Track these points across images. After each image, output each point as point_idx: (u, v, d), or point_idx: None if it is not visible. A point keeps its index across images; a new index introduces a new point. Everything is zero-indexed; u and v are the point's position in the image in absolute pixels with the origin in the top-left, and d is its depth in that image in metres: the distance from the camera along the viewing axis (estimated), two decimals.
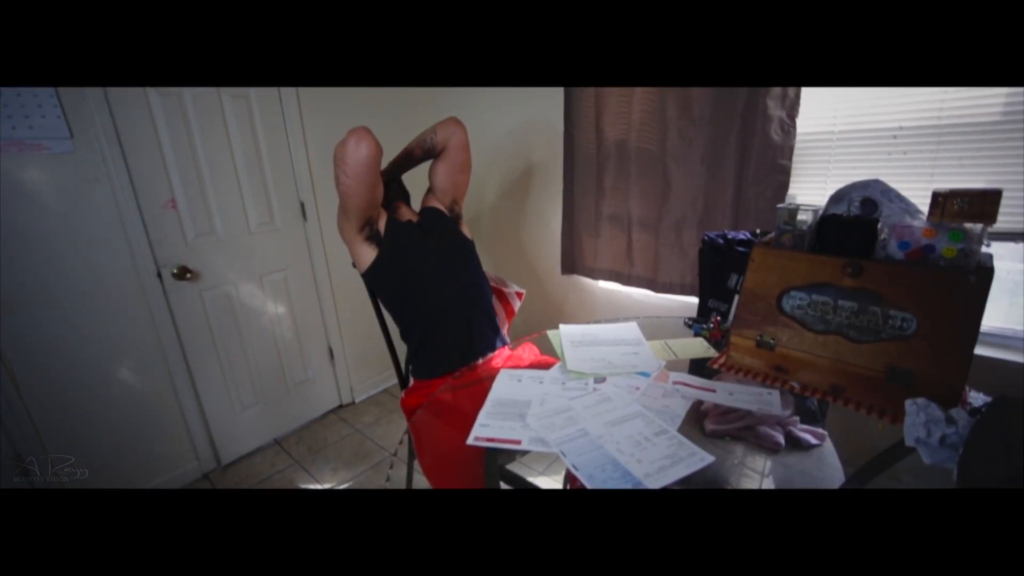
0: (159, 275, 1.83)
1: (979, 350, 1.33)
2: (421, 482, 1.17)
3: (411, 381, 1.45)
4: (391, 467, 2.05)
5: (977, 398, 0.84)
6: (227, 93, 1.91)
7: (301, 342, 2.36)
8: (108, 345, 1.75)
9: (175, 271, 1.86)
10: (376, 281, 1.40)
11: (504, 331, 1.61)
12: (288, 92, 2.08)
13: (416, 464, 1.38)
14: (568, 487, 1.31)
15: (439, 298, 1.38)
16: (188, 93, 1.80)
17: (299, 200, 2.22)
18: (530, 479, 1.88)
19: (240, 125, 1.96)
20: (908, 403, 0.77)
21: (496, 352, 1.42)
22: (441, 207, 1.51)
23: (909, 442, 0.74)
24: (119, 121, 1.65)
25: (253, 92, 1.98)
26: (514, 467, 1.90)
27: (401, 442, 1.12)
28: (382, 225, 1.37)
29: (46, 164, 1.54)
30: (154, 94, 1.72)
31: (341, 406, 2.62)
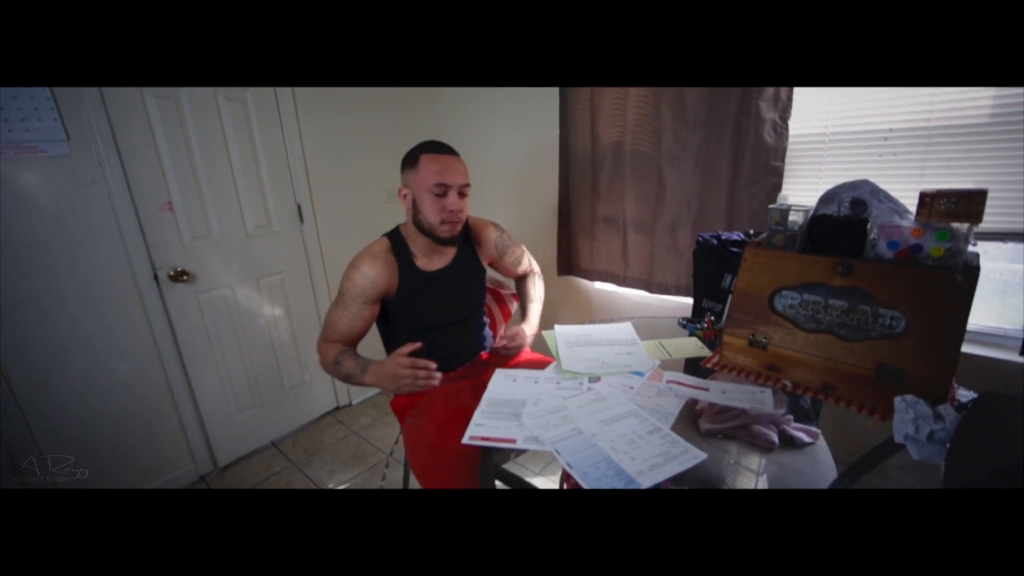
0: (155, 277, 1.83)
1: (972, 348, 1.35)
2: (418, 483, 1.17)
3: None
4: (387, 466, 2.05)
5: (965, 394, 0.85)
6: (223, 95, 1.91)
7: (298, 344, 2.36)
8: (104, 348, 1.75)
9: (171, 273, 1.86)
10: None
11: (501, 332, 1.61)
12: (284, 94, 2.09)
13: None
14: (564, 486, 1.32)
15: (437, 334, 1.35)
16: (184, 95, 1.81)
17: (296, 202, 2.23)
18: (527, 479, 1.88)
19: (237, 127, 1.97)
20: (897, 400, 0.77)
21: (484, 352, 1.43)
22: (486, 262, 1.45)
23: (898, 439, 0.75)
24: (115, 124, 1.66)
25: (250, 94, 1.99)
26: (511, 467, 1.91)
27: (397, 442, 1.13)
28: (393, 285, 1.28)
29: (42, 167, 1.54)
30: (150, 96, 1.73)
31: (338, 408, 2.62)
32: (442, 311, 1.34)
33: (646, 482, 0.72)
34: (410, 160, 1.23)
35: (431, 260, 1.32)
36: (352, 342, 1.29)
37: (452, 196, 1.20)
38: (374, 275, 1.23)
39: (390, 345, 1.43)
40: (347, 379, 1.22)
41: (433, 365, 1.11)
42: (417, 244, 1.29)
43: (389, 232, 1.33)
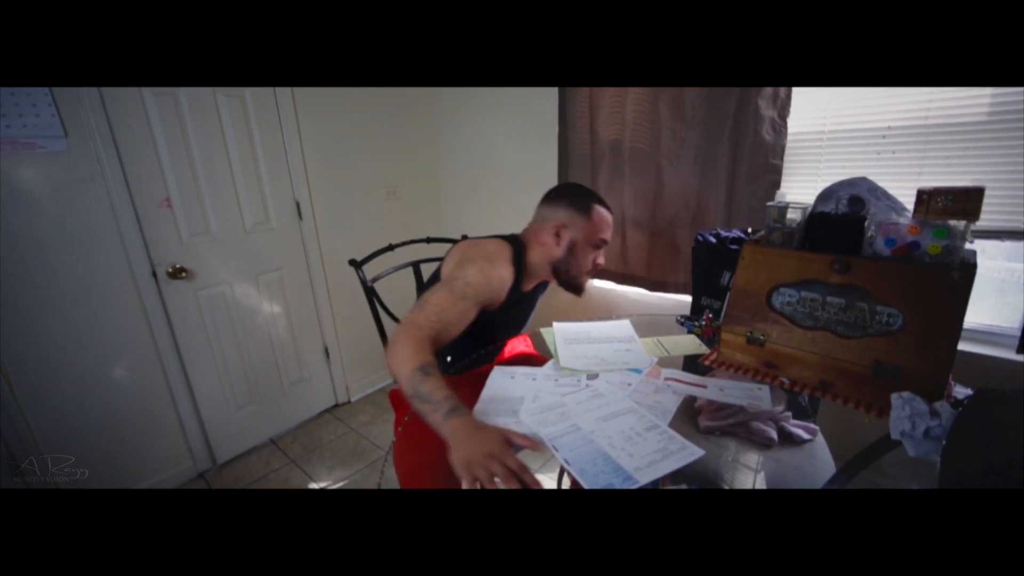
0: (154, 274, 1.83)
1: (969, 346, 1.35)
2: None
3: None
4: (385, 462, 2.05)
5: (961, 392, 0.85)
6: (222, 92, 1.91)
7: (297, 342, 2.36)
8: (103, 345, 1.75)
9: (170, 270, 1.86)
10: None
11: None
12: (283, 92, 2.08)
13: None
14: (566, 483, 1.32)
15: (485, 348, 1.32)
16: (183, 93, 1.80)
17: (295, 199, 2.22)
18: None
19: (235, 124, 1.97)
20: (894, 397, 0.78)
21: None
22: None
23: (895, 435, 0.75)
24: (114, 120, 1.65)
25: (248, 91, 1.99)
26: None
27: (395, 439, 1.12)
28: (503, 294, 1.20)
29: (40, 163, 1.54)
30: (149, 94, 1.72)
31: (336, 405, 2.62)
32: (509, 330, 1.34)
33: (643, 478, 0.72)
34: (580, 206, 1.21)
35: (527, 282, 1.29)
36: (440, 342, 1.01)
37: (602, 250, 1.24)
38: (508, 277, 1.17)
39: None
40: (416, 398, 0.87)
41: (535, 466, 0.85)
42: (531, 267, 1.24)
43: (510, 240, 1.25)
